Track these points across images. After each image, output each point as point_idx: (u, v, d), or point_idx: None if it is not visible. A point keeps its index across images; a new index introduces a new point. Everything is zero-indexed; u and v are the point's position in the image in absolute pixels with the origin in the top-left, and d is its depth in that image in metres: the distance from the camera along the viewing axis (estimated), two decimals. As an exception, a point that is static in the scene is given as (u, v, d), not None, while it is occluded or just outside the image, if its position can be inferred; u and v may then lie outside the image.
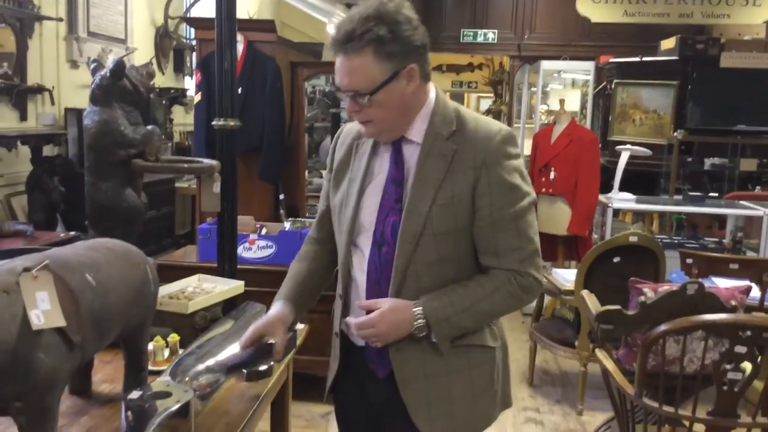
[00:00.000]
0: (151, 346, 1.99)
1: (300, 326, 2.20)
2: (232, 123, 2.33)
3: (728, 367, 2.03)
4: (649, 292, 2.79)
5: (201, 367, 1.86)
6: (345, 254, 1.64)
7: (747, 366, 2.06)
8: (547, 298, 4.50)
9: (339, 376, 1.73)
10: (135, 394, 1.59)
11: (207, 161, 2.41)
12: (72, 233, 3.86)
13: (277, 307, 1.68)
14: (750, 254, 4.75)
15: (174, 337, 2.02)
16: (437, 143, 1.53)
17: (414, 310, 1.51)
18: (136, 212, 2.17)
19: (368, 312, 1.54)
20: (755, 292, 3.20)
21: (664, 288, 2.85)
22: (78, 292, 1.44)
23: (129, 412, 1.53)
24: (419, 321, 1.50)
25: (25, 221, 4.23)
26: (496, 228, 1.52)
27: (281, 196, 4.39)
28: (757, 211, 4.69)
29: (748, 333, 1.98)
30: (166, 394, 1.59)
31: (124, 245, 1.70)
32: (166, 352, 1.99)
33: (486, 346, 1.62)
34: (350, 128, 1.70)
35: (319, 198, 1.81)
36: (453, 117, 1.56)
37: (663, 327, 2.07)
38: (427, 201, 1.50)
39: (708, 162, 6.83)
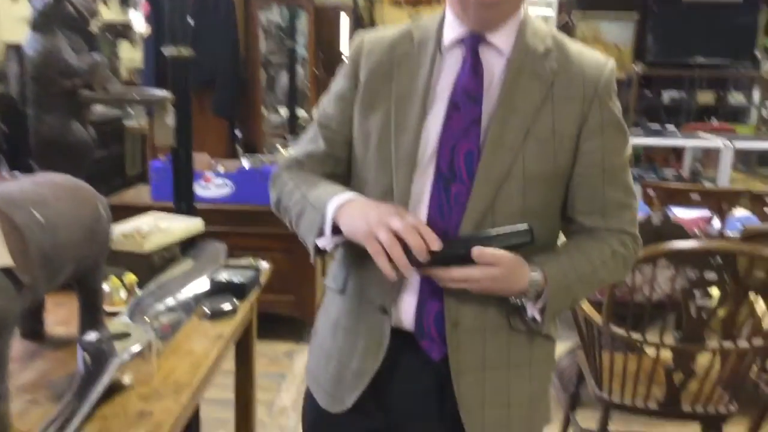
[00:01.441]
0: (106, 287, 1.90)
1: (264, 265, 2.13)
2: (184, 51, 2.19)
3: (697, 293, 2.03)
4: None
5: (161, 306, 1.79)
6: (392, 198, 1.23)
7: (714, 292, 2.07)
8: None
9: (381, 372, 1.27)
10: (91, 336, 1.51)
11: (159, 92, 2.28)
12: (16, 173, 3.68)
13: (349, 195, 1.22)
14: (708, 185, 4.81)
15: (131, 277, 1.93)
16: (531, 59, 1.20)
17: (531, 272, 1.16)
18: (84, 147, 2.04)
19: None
20: (716, 223, 3.23)
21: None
22: (25, 230, 1.33)
23: (86, 354, 1.45)
24: (536, 285, 1.16)
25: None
26: (606, 179, 1.20)
27: (237, 133, 4.26)
28: (715, 142, 4.72)
29: (719, 259, 1.97)
30: (124, 335, 1.52)
31: (72, 180, 1.59)
32: (123, 293, 1.91)
33: (550, 336, 1.31)
34: (376, 39, 1.31)
35: (307, 133, 1.39)
36: (547, 33, 1.24)
37: (632, 255, 2.04)
38: (519, 132, 1.16)
39: (666, 95, 6.85)
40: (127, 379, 1.45)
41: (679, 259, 2.10)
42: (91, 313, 1.69)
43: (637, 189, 4.07)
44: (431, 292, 1.22)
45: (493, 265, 1.12)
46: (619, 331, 2.16)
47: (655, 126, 5.30)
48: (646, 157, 5.88)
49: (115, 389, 1.43)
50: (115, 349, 1.46)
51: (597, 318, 2.21)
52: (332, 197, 1.20)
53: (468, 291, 1.16)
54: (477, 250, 1.11)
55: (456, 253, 1.14)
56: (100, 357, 1.44)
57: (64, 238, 1.44)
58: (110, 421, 1.33)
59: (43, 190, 1.47)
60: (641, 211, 3.41)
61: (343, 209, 1.18)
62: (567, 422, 2.63)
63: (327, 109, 1.35)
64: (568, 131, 1.18)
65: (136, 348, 1.46)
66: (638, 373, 2.17)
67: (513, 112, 1.17)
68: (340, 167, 1.35)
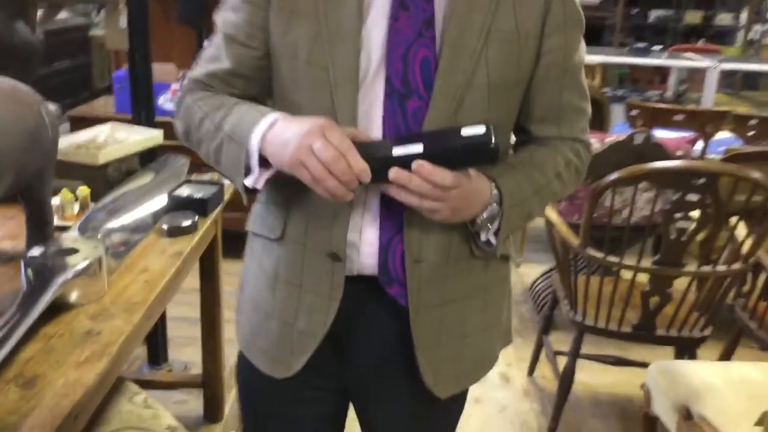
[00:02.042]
0: (58, 200, 1.79)
1: (226, 181, 2.02)
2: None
3: (678, 215, 1.96)
4: (595, 142, 2.70)
5: (115, 222, 1.69)
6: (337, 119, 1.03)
7: (694, 216, 2.00)
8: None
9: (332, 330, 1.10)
10: (36, 251, 1.41)
11: (112, -10, 2.10)
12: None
13: (272, 118, 1.00)
14: (692, 107, 4.71)
15: (84, 190, 1.82)
16: None
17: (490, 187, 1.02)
18: (30, 49, 1.88)
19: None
20: (699, 145, 3.15)
21: (610, 138, 2.76)
22: (-49, 134, 1.21)
23: (29, 270, 1.35)
24: (493, 205, 1.01)
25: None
26: (565, 81, 1.07)
27: (205, 44, 4.05)
28: (702, 62, 4.59)
29: (702, 180, 1.89)
30: (72, 251, 1.42)
31: (10, 82, 1.45)
32: (76, 207, 1.80)
33: (505, 256, 1.17)
34: None
35: (209, 46, 1.13)
36: None
37: (613, 176, 1.97)
38: (479, 32, 0.99)
39: (653, 14, 6.65)
40: (74, 297, 1.35)
41: (660, 180, 2.02)
42: (39, 228, 1.59)
43: (619, 109, 3.97)
44: (396, 229, 1.05)
45: (457, 187, 0.94)
46: (596, 254, 2.09)
47: (641, 45, 5.15)
48: (630, 78, 5.76)
49: (61, 308, 1.34)
50: (63, 265, 1.36)
51: (574, 241, 2.14)
52: (253, 126, 0.98)
53: (429, 221, 1.01)
54: (428, 173, 0.92)
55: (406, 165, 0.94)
56: (44, 273, 1.34)
57: (0, 144, 1.31)
58: (54, 340, 1.25)
59: (-24, 93, 1.33)
60: (623, 131, 3.32)
61: (269, 137, 0.97)
62: (540, 345, 2.61)
63: (231, 17, 1.08)
64: (531, 28, 1.03)
65: (83, 265, 1.37)
66: (613, 297, 2.13)
67: (471, 9, 1.00)
68: (252, 88, 1.10)
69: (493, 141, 0.91)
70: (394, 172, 0.92)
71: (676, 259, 2.02)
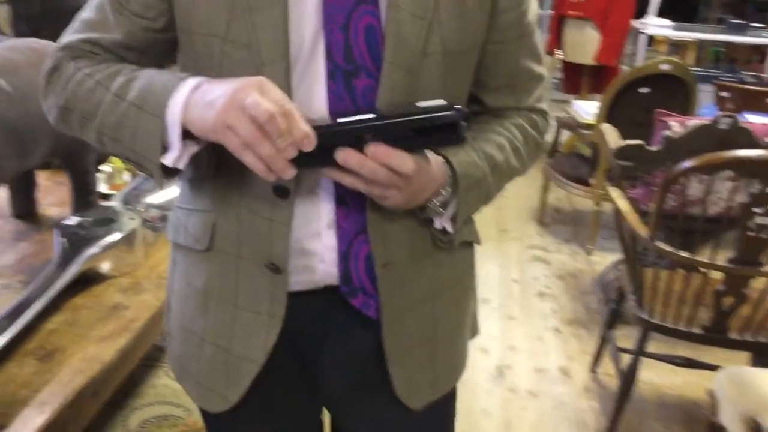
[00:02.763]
0: (109, 167, 1.78)
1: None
2: None
3: (758, 210, 1.79)
4: (675, 125, 2.51)
5: (158, 195, 1.66)
6: None
7: (780, 210, 1.82)
8: (564, 134, 4.22)
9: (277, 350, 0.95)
10: (72, 220, 1.40)
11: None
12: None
13: (196, 80, 0.82)
14: (791, 91, 4.37)
15: (134, 159, 1.80)
16: None
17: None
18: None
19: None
20: (795, 131, 2.90)
21: (693, 122, 2.56)
22: (-15, 99, 1.19)
23: (63, 239, 1.34)
24: (447, 188, 0.89)
25: (7, 33, 3.92)
26: (521, 44, 0.96)
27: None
28: (806, 43, 4.25)
29: (789, 173, 1.72)
30: (108, 221, 1.40)
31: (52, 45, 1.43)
32: (125, 175, 1.79)
33: (469, 242, 1.05)
34: None
35: (88, 10, 0.91)
36: None
37: (687, 163, 1.81)
38: None
39: (756, -11, 6.22)
40: (106, 269, 1.34)
41: (741, 169, 1.85)
42: (82, 196, 1.58)
43: (707, 89, 3.71)
44: (357, 229, 0.90)
45: (410, 176, 0.81)
46: (666, 248, 1.94)
47: (738, 22, 4.81)
48: (727, 58, 5.40)
49: (93, 278, 1.33)
50: (95, 236, 1.35)
51: (642, 231, 2.00)
52: (171, 91, 0.80)
53: (391, 214, 0.89)
54: (382, 155, 0.78)
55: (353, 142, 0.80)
56: (76, 243, 1.32)
57: (36, 109, 1.29)
58: (80, 312, 1.23)
59: (15, 56, 1.32)
60: (708, 115, 3.10)
61: (191, 103, 0.79)
62: (604, 340, 2.47)
63: None
64: None
65: (115, 237, 1.35)
66: (684, 294, 1.97)
67: None
68: (148, 62, 0.91)
69: (459, 114, 0.79)
70: (343, 154, 0.76)
71: (755, 257, 1.85)
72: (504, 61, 0.96)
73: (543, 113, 1.02)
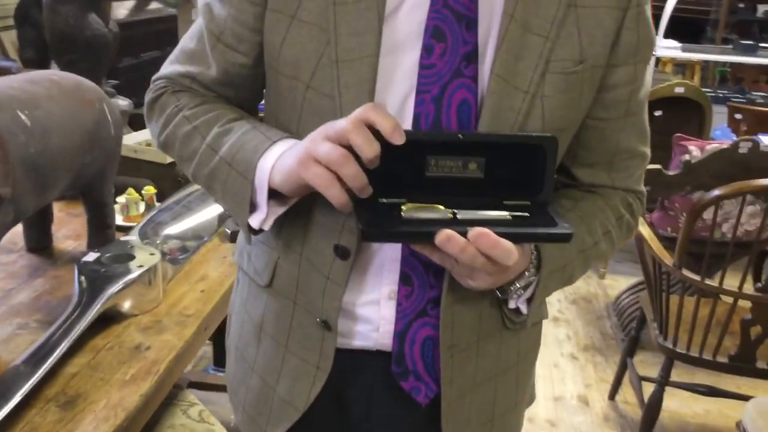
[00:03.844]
0: (124, 199, 1.74)
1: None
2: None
3: (789, 239, 1.76)
4: (694, 150, 2.49)
5: (176, 227, 1.62)
6: None
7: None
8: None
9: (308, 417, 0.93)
10: (91, 256, 1.36)
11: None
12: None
13: (285, 144, 0.80)
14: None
15: (149, 190, 1.76)
16: None
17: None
18: (102, 42, 1.85)
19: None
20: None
21: (712, 146, 2.54)
22: (5, 133, 1.16)
23: (82, 277, 1.30)
24: (531, 269, 0.81)
25: (15, 58, 3.90)
26: (626, 122, 0.87)
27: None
28: (815, 63, 4.23)
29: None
30: (128, 257, 1.36)
31: (73, 78, 1.40)
32: (142, 207, 1.75)
33: (538, 323, 1.01)
34: None
35: (190, 40, 0.91)
36: None
37: (716, 191, 1.77)
38: (535, 60, 0.78)
39: (761, 9, 6.22)
40: (126, 307, 1.29)
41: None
42: (100, 230, 1.54)
43: (722, 111, 3.68)
44: (420, 307, 0.85)
45: (509, 261, 0.72)
46: (693, 276, 1.91)
47: (748, 42, 4.80)
48: (733, 78, 5.39)
49: (113, 317, 1.28)
50: (116, 274, 1.31)
51: (667, 259, 1.96)
52: (261, 152, 0.78)
53: (463, 292, 0.82)
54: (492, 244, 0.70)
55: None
56: (96, 281, 1.28)
57: (57, 143, 1.26)
58: (101, 354, 1.19)
59: (35, 89, 1.28)
60: (722, 137, 3.07)
61: (278, 166, 0.77)
62: (624, 368, 2.42)
63: (217, 6, 0.86)
64: (597, 56, 0.80)
65: (136, 273, 1.30)
66: (710, 323, 1.93)
67: (526, 30, 0.77)
68: (245, 95, 0.91)
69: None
70: (443, 236, 0.69)
71: (784, 286, 1.82)
72: (605, 138, 0.88)
73: (640, 195, 0.95)
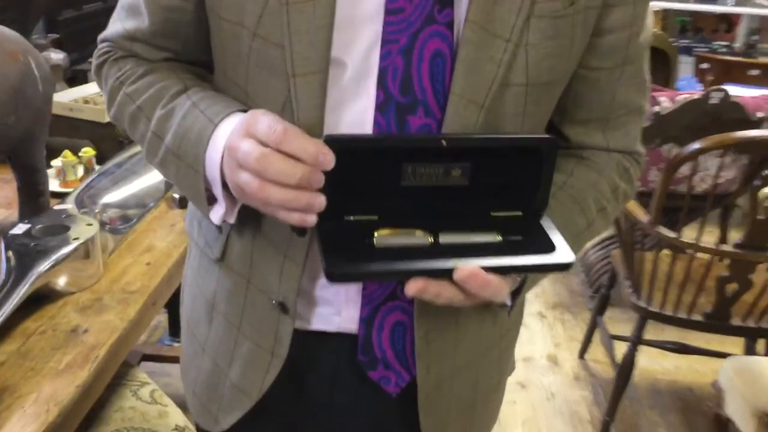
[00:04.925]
0: (60, 162, 1.59)
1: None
2: None
3: (768, 192, 1.69)
4: (664, 101, 2.41)
5: (117, 192, 1.48)
6: None
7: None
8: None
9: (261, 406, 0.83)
10: (19, 229, 1.22)
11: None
12: None
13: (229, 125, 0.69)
14: (765, 60, 4.32)
15: (88, 152, 1.61)
16: None
17: None
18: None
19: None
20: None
21: (683, 96, 2.46)
22: None
23: (10, 253, 1.16)
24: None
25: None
26: (624, 72, 0.76)
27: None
28: (777, 11, 4.18)
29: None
30: (62, 228, 1.22)
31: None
32: (80, 170, 1.60)
33: (521, 305, 0.92)
34: None
35: None
36: None
37: (695, 145, 1.69)
38: (515, 6, 0.66)
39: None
40: (61, 285, 1.16)
41: (752, 150, 1.74)
42: (32, 197, 1.39)
43: (685, 61, 3.61)
44: (387, 294, 0.76)
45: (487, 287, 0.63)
46: (669, 234, 1.83)
47: (709, -9, 4.73)
48: (693, 27, 5.32)
49: (46, 297, 1.15)
50: (48, 248, 1.17)
51: (641, 216, 1.88)
52: (206, 139, 0.68)
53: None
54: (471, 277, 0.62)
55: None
56: (26, 257, 1.14)
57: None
58: (32, 339, 1.06)
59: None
60: (687, 88, 3.00)
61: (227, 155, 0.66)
62: (594, 326, 2.37)
63: None
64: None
65: (70, 247, 1.17)
66: (685, 281, 1.87)
67: None
68: (191, 49, 0.78)
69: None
70: (419, 286, 0.61)
71: (762, 242, 1.75)
72: (600, 91, 0.76)
73: (637, 156, 0.83)
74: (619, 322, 2.54)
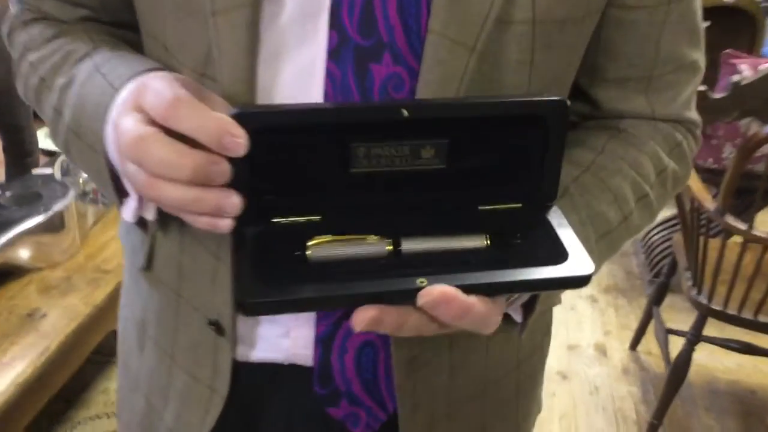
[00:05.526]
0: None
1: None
2: None
3: None
4: (745, 69, 2.14)
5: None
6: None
7: None
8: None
9: None
10: (-12, 195, 1.11)
11: None
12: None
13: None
14: None
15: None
16: None
17: None
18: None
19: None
20: None
21: (766, 65, 2.18)
22: None
23: (-27, 222, 1.05)
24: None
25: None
26: (669, 15, 0.57)
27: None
28: None
29: None
30: (34, 197, 1.10)
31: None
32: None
33: (547, 323, 0.74)
34: None
35: None
36: None
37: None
38: None
39: None
40: (25, 259, 1.04)
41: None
42: (19, 158, 1.28)
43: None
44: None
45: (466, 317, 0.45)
46: (739, 225, 1.60)
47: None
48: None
49: (9, 274, 1.04)
50: (15, 217, 1.05)
51: (708, 202, 1.65)
52: (105, 112, 0.51)
53: None
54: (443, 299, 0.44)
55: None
56: (-11, 227, 1.03)
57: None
58: (-17, 324, 0.94)
59: None
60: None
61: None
62: (649, 317, 2.15)
63: None
64: None
65: (40, 217, 1.04)
66: (754, 276, 1.64)
67: None
68: (104, 10, 0.63)
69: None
70: (366, 316, 0.44)
71: None
72: (638, 38, 0.57)
73: (691, 126, 0.64)
74: (679, 312, 2.32)
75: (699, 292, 1.74)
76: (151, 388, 0.69)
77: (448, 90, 0.50)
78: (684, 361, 1.79)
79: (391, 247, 0.49)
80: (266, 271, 0.46)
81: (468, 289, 0.44)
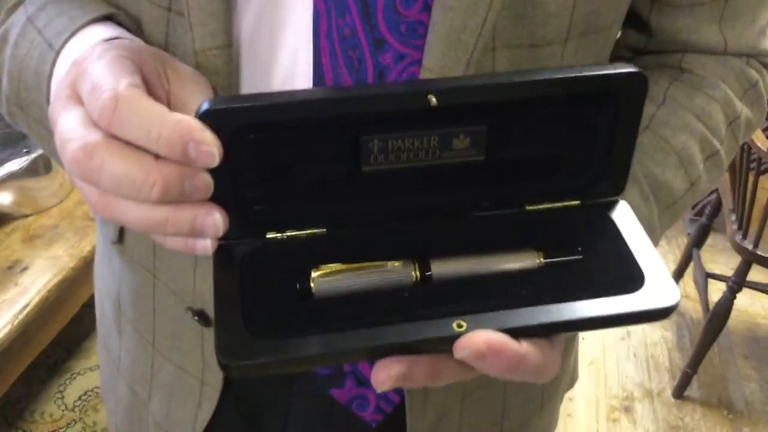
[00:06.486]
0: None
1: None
2: None
3: None
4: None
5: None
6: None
7: None
8: None
9: None
10: (-33, 135, 1.02)
11: None
12: None
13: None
14: None
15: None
16: None
17: None
18: None
19: None
20: None
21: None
22: None
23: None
24: None
25: None
26: None
27: None
28: None
29: None
30: (18, 137, 1.02)
31: None
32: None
33: None
34: None
35: None
36: None
37: None
38: None
39: None
40: (8, 205, 0.97)
41: None
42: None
43: None
44: None
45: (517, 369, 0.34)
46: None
47: None
48: None
49: (-5, 219, 0.97)
50: (-4, 159, 0.97)
51: (761, 142, 1.51)
52: (47, 80, 0.42)
53: None
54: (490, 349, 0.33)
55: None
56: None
57: None
58: (-41, 278, 0.88)
59: None
60: None
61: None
62: (688, 259, 2.03)
63: None
64: None
65: (24, 159, 0.96)
66: (806, 222, 1.51)
67: None
68: None
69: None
70: (391, 372, 0.34)
71: None
72: None
73: (766, 60, 0.53)
74: (720, 253, 2.20)
75: (744, 237, 1.62)
76: (134, 377, 0.60)
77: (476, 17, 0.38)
78: (724, 308, 1.69)
79: (417, 273, 0.38)
80: (257, 318, 0.35)
81: (520, 332, 0.34)
